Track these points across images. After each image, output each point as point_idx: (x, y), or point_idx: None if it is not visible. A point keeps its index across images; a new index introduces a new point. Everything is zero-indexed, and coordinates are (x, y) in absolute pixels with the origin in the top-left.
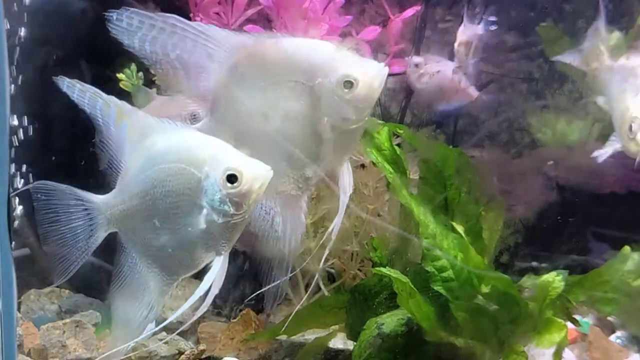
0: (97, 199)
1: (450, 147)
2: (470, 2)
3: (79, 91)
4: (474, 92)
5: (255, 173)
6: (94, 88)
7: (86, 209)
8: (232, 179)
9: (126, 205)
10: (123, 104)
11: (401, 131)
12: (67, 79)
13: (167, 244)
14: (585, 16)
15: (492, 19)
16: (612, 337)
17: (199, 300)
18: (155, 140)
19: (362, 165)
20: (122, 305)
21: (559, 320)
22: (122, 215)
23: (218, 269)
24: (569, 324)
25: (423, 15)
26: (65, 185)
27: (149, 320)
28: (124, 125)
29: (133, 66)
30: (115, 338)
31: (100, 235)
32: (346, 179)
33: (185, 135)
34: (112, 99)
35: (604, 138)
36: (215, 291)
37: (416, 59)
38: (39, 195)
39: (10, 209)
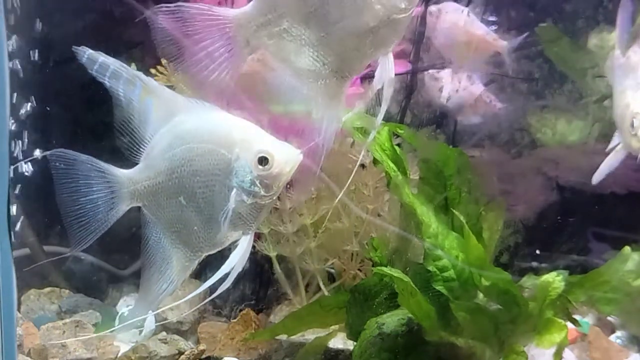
0: (120, 172)
1: (450, 147)
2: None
3: (101, 64)
4: (498, 105)
5: (286, 156)
6: (119, 62)
7: (108, 182)
8: (263, 161)
9: (151, 182)
10: (149, 80)
11: (401, 131)
12: (90, 50)
13: (193, 222)
14: (585, 16)
15: (492, 19)
16: (612, 337)
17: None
18: (183, 119)
19: (362, 166)
20: (146, 277)
21: (559, 320)
22: (147, 191)
23: (244, 248)
24: (569, 324)
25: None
26: (86, 156)
27: (167, 294)
28: (148, 102)
29: (133, 66)
30: (136, 308)
31: (122, 209)
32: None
33: (215, 115)
34: (139, 74)
35: (603, 138)
36: (239, 269)
37: (437, 74)
38: (57, 164)
39: (10, 209)
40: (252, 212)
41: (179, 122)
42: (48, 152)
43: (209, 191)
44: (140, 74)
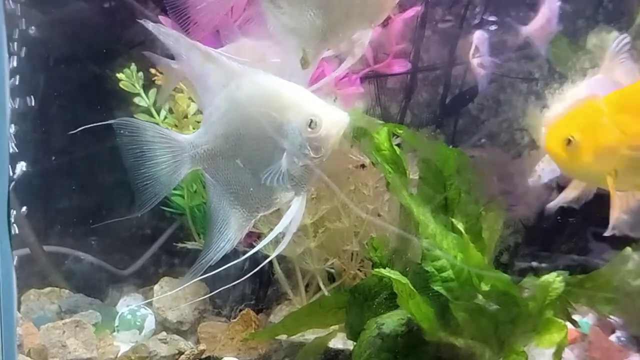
0: (182, 137)
1: (450, 147)
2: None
3: (165, 34)
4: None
5: (334, 119)
6: (176, 33)
7: (170, 147)
8: (312, 124)
9: (210, 146)
10: (206, 49)
11: (401, 131)
12: (152, 23)
13: (249, 184)
14: (585, 16)
15: (492, 18)
16: (612, 337)
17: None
18: (239, 85)
19: (362, 165)
20: (208, 237)
21: (559, 320)
22: (206, 155)
23: (297, 207)
24: (569, 324)
25: (423, 15)
26: (150, 123)
27: (224, 251)
28: (207, 69)
29: (133, 66)
30: (197, 264)
31: (184, 172)
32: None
33: (268, 80)
34: (196, 44)
35: None
36: (293, 229)
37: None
38: (122, 131)
39: (9, 209)
40: (303, 173)
41: (234, 87)
42: (113, 121)
43: (263, 154)
44: (197, 43)
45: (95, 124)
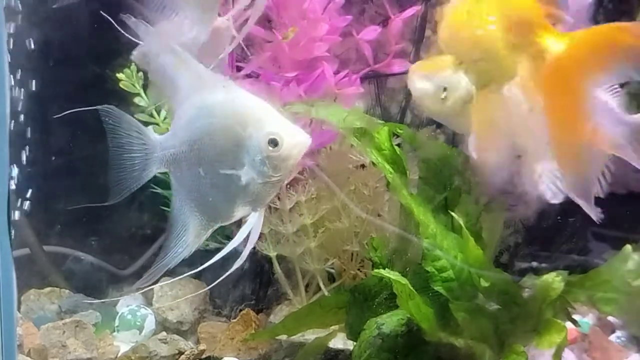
0: (154, 137)
1: (450, 147)
2: None
3: (143, 32)
4: None
5: (296, 140)
6: (154, 31)
7: (144, 143)
8: (273, 142)
9: (176, 150)
10: (182, 52)
11: (401, 131)
12: (133, 19)
13: (209, 193)
14: None
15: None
16: (612, 337)
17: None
18: (208, 93)
19: (362, 166)
20: (167, 240)
21: (559, 321)
22: (172, 159)
23: (253, 224)
24: (569, 324)
25: (423, 15)
26: (129, 116)
27: (181, 257)
28: (180, 73)
29: (133, 66)
30: (154, 267)
31: (152, 171)
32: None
33: (236, 93)
34: (173, 46)
35: None
36: (250, 247)
37: None
38: (107, 119)
39: (10, 209)
40: (261, 190)
41: (203, 95)
42: (99, 107)
43: (223, 166)
44: (176, 46)
45: (78, 109)
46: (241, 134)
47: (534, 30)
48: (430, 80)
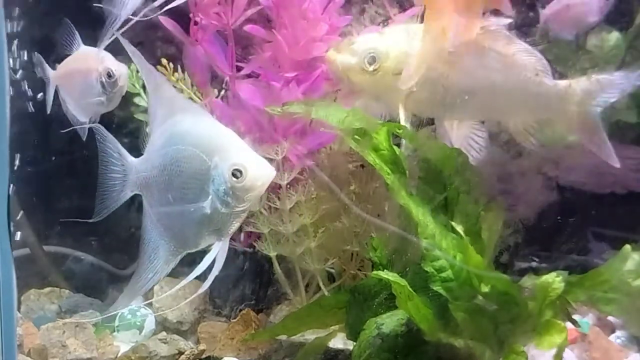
0: (131, 159)
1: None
2: None
3: (132, 52)
4: None
5: (259, 172)
6: (138, 55)
7: (122, 165)
8: (237, 173)
9: (148, 174)
10: (160, 76)
11: (401, 131)
12: (126, 41)
13: (176, 219)
14: None
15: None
16: (612, 337)
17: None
18: (179, 120)
19: (362, 166)
20: (139, 265)
21: (559, 322)
22: (145, 182)
23: (217, 252)
24: (569, 324)
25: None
26: (112, 137)
27: (152, 283)
28: (157, 98)
29: (133, 66)
30: (124, 293)
31: (127, 194)
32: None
33: (205, 121)
34: (152, 69)
35: None
36: (215, 273)
37: None
38: (97, 136)
39: (10, 209)
40: (225, 220)
41: (175, 122)
42: (93, 125)
43: (190, 193)
44: (154, 70)
45: (74, 128)
46: (207, 163)
47: None
48: (356, 53)
